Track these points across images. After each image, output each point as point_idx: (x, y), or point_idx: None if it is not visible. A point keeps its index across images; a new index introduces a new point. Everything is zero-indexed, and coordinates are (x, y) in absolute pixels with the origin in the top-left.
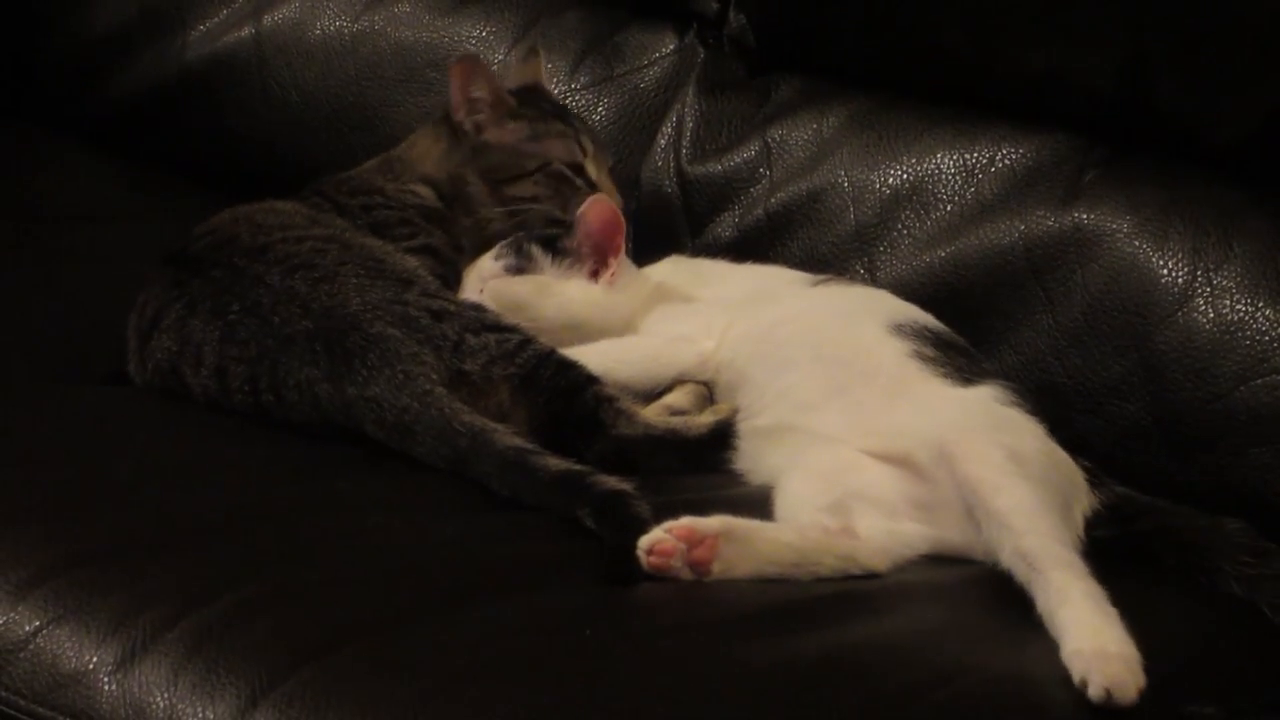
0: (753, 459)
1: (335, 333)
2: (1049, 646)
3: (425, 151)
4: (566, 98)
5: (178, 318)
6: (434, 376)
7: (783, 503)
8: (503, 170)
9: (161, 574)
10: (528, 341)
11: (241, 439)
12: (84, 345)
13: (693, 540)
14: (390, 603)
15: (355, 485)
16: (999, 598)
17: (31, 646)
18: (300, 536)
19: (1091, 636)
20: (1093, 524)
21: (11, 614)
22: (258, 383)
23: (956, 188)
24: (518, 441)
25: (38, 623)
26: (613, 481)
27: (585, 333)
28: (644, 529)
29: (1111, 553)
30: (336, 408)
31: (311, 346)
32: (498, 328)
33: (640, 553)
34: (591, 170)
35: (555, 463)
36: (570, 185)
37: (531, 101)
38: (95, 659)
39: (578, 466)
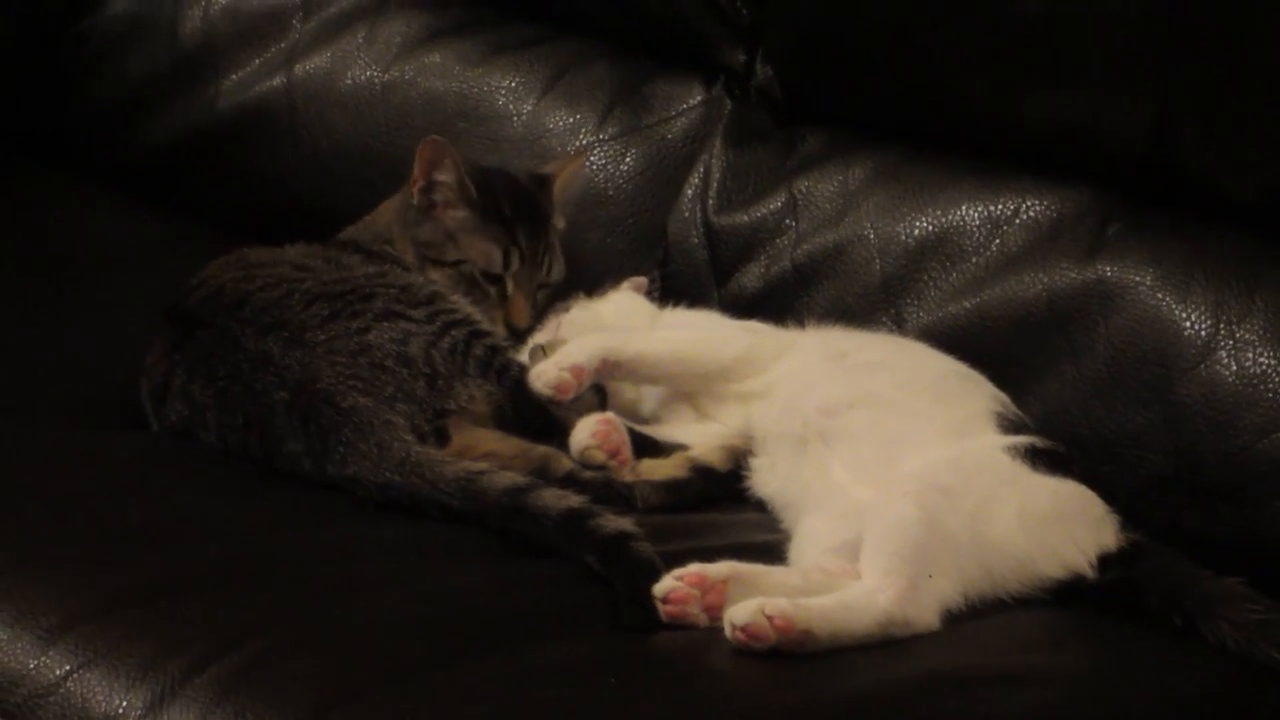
0: (804, 487)
1: (310, 409)
2: (1072, 684)
3: (385, 211)
4: (594, 149)
5: (181, 385)
6: (408, 438)
7: (797, 540)
8: (429, 249)
9: (191, 619)
10: (487, 340)
11: (269, 484)
12: (104, 390)
13: (704, 586)
14: (417, 649)
15: (382, 531)
16: (1014, 642)
17: (61, 691)
18: (328, 582)
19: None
20: (1104, 564)
21: (42, 659)
22: (251, 450)
23: (981, 240)
24: (508, 481)
25: (68, 667)
26: (614, 521)
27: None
28: (649, 570)
29: (1108, 597)
30: (323, 481)
31: (290, 420)
32: (465, 328)
33: (657, 601)
34: (509, 285)
35: (553, 502)
36: (480, 290)
37: (494, 194)
38: (125, 704)
39: (577, 504)
